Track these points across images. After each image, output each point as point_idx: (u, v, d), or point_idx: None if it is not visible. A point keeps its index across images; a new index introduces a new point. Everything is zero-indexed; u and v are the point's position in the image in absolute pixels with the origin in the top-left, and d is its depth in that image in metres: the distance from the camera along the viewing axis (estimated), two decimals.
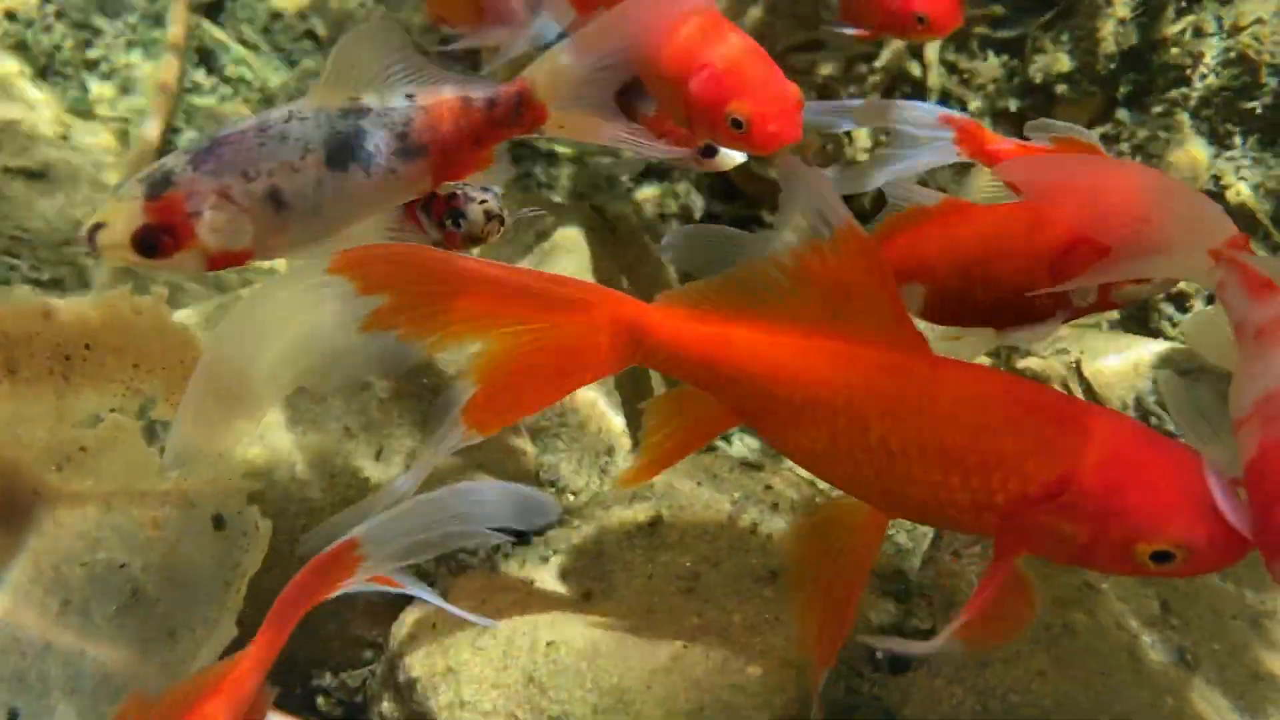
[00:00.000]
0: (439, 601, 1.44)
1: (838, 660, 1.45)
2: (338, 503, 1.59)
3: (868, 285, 1.14)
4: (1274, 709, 1.32)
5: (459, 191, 1.49)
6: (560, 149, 2.64)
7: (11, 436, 1.35)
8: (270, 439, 1.60)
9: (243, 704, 1.19)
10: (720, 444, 2.07)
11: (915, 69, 2.60)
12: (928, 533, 1.78)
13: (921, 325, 1.25)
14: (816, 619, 1.24)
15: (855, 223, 1.15)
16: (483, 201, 1.49)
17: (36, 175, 2.17)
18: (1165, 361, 1.86)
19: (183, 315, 1.79)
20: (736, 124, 1.48)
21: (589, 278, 2.05)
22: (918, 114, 1.59)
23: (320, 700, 1.60)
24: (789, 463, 2.05)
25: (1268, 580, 1.42)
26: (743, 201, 2.52)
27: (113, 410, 1.37)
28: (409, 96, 1.30)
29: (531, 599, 1.53)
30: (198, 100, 2.68)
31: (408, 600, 1.61)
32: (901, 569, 1.60)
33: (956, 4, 1.81)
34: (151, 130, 2.48)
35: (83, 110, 2.58)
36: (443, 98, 1.31)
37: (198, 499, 1.43)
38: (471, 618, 1.45)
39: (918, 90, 2.58)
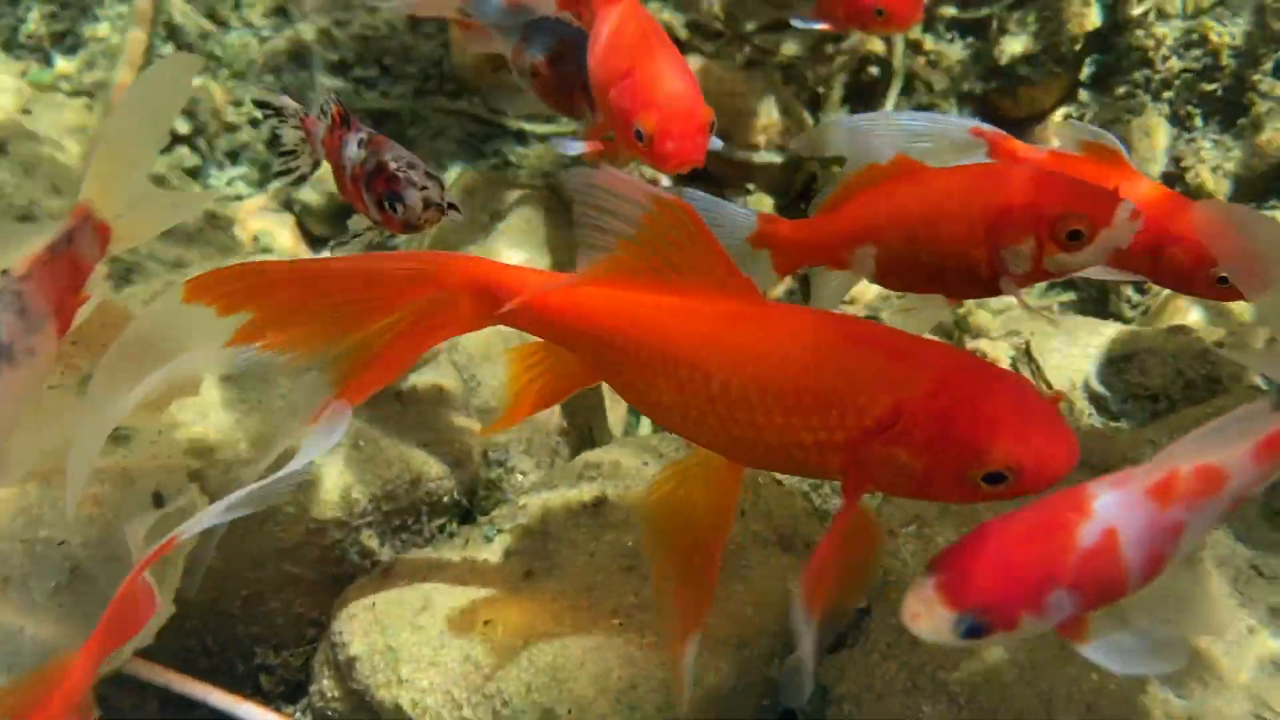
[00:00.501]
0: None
1: (773, 637, 1.46)
2: None
3: (691, 248, 1.17)
4: (1198, 683, 1.33)
5: (401, 173, 1.47)
6: (530, 128, 2.64)
7: None
8: (214, 418, 1.60)
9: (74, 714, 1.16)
10: None
11: (881, 49, 2.60)
12: None
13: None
14: (679, 583, 1.24)
15: (661, 194, 1.16)
16: (423, 188, 1.46)
17: None
18: (1113, 344, 1.87)
19: (131, 293, 1.80)
20: (640, 136, 1.51)
21: (543, 258, 2.06)
22: (949, 128, 1.62)
23: (263, 678, 1.61)
24: None
25: (1194, 557, 1.43)
26: (713, 181, 2.52)
27: (51, 386, 1.37)
28: (3, 273, 1.22)
29: (472, 578, 1.54)
30: None
31: (350, 579, 1.62)
32: None
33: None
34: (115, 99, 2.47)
35: (45, 85, 2.58)
36: (33, 256, 1.23)
37: (138, 476, 1.43)
38: None
39: (883, 72, 2.59)
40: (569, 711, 1.37)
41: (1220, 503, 1.11)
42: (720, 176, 2.51)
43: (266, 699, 1.59)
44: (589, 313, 1.23)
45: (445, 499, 1.69)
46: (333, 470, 1.62)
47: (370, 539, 1.63)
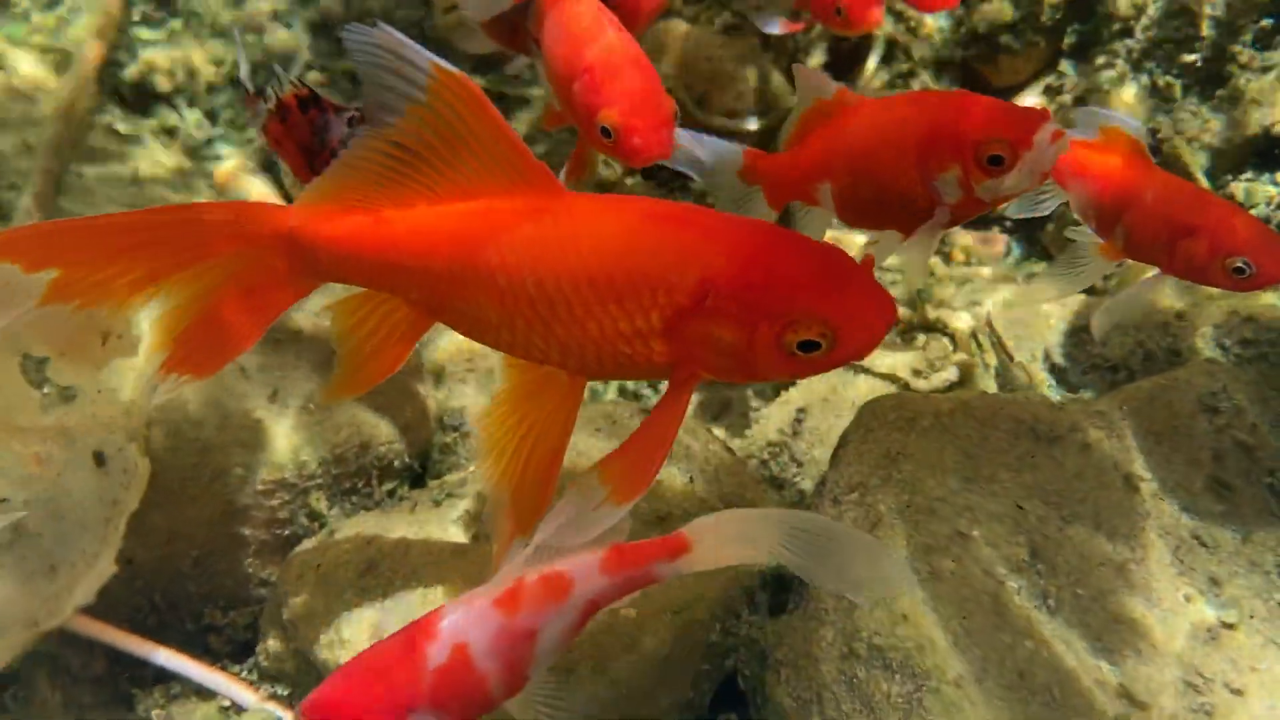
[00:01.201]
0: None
1: (713, 603, 1.46)
2: (230, 443, 1.61)
3: (479, 128, 1.12)
4: (1131, 651, 1.32)
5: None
6: (525, 92, 2.62)
7: None
8: None
9: None
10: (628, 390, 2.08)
11: None
12: (805, 477, 1.79)
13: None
14: (515, 489, 1.22)
15: (444, 64, 1.12)
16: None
17: None
18: (1076, 315, 1.86)
19: None
20: (605, 132, 1.49)
21: None
22: None
23: (211, 638, 1.62)
24: (690, 410, 2.06)
25: (1137, 528, 1.43)
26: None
27: None
28: None
29: (419, 542, 1.55)
30: (146, 33, 2.66)
31: (298, 540, 1.63)
32: None
33: (873, 1, 1.78)
34: (89, 60, 2.46)
35: (19, 40, 2.57)
36: None
37: (79, 436, 1.44)
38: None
39: (863, 39, 2.56)
40: None
41: (571, 608, 1.13)
42: None
43: (214, 658, 1.60)
44: (396, 241, 1.17)
45: (396, 463, 1.70)
46: (281, 432, 1.63)
47: (319, 501, 1.64)
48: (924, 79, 2.50)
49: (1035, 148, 1.33)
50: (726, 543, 1.16)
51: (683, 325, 1.10)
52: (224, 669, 1.56)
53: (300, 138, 1.48)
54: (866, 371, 1.90)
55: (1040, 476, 1.47)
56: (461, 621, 1.10)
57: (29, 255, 1.09)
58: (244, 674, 1.58)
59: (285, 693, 1.53)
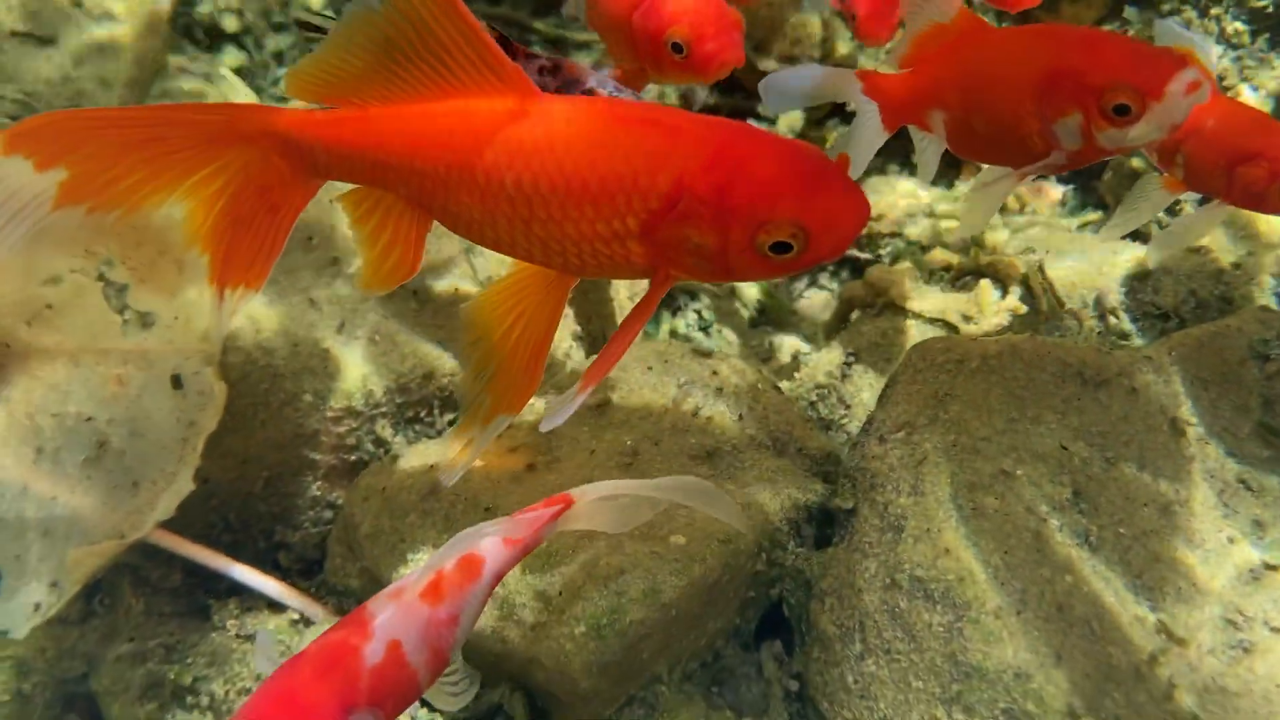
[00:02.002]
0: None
1: (759, 534, 1.51)
2: (300, 371, 1.67)
3: (452, 28, 1.13)
4: (1171, 589, 1.35)
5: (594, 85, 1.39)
6: (584, 36, 2.64)
7: None
8: None
9: None
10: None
11: None
12: (852, 419, 1.82)
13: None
14: (501, 374, 1.26)
15: None
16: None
17: (46, 41, 2.23)
18: (1128, 263, 1.86)
19: None
20: (677, 48, 1.51)
21: None
22: None
23: (282, 556, 1.71)
24: (737, 350, 2.10)
25: (1182, 471, 1.45)
26: (742, 94, 2.51)
27: (74, 270, 1.45)
28: None
29: (477, 469, 1.61)
30: None
31: (364, 465, 1.70)
32: (832, 451, 1.65)
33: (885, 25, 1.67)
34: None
35: None
36: None
37: (157, 359, 1.51)
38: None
39: None
40: (560, 593, 1.44)
41: (483, 585, 1.17)
42: (754, 89, 2.50)
43: (284, 574, 1.68)
44: (383, 139, 1.19)
45: (456, 394, 1.76)
46: (349, 362, 1.70)
47: (384, 428, 1.71)
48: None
49: (1167, 98, 1.23)
50: (603, 506, 1.24)
51: (658, 228, 1.13)
52: (294, 584, 1.64)
53: None
54: (917, 316, 1.92)
55: (1086, 419, 1.49)
56: (394, 619, 1.11)
57: (40, 150, 1.11)
58: (312, 589, 1.66)
59: (352, 608, 1.61)
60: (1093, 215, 2.23)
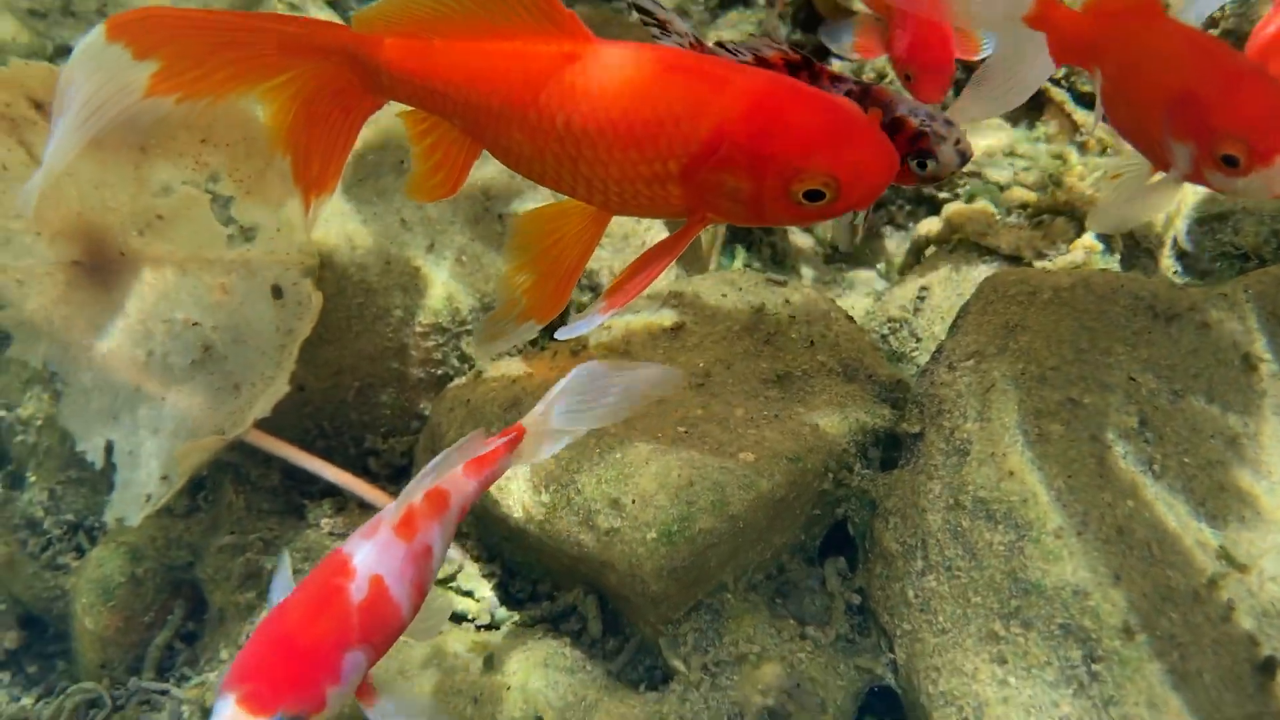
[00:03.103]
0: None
1: (826, 455, 1.56)
2: (391, 287, 1.76)
3: None
4: (1235, 517, 1.37)
5: (928, 128, 1.35)
6: None
7: (99, 201, 1.53)
8: (334, 225, 1.76)
9: None
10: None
11: None
12: (923, 352, 1.85)
13: None
14: (541, 286, 1.35)
15: None
16: (957, 141, 1.33)
17: None
18: (1208, 202, 1.85)
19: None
20: None
21: None
22: None
23: (371, 461, 1.80)
24: (808, 279, 2.14)
25: (1251, 404, 1.46)
26: (818, 20, 2.51)
27: (184, 182, 1.54)
28: None
29: (552, 380, 1.68)
30: None
31: (449, 379, 1.79)
32: (901, 378, 1.69)
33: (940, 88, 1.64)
34: None
35: None
36: None
37: (259, 269, 1.60)
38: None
39: None
40: (633, 501, 1.50)
41: (451, 518, 1.21)
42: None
43: (374, 479, 1.78)
44: (442, 71, 1.27)
45: (497, 288, 1.82)
46: (437, 280, 1.77)
47: (469, 344, 1.79)
48: None
49: (1275, 168, 1.18)
50: (558, 433, 1.31)
51: (697, 172, 1.19)
52: (383, 489, 1.74)
53: None
54: (992, 253, 1.94)
55: (1156, 352, 1.51)
56: (372, 555, 1.14)
57: (138, 40, 1.19)
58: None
59: None
60: None
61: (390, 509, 1.21)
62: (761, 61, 1.44)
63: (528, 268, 1.35)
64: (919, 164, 1.35)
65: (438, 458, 1.24)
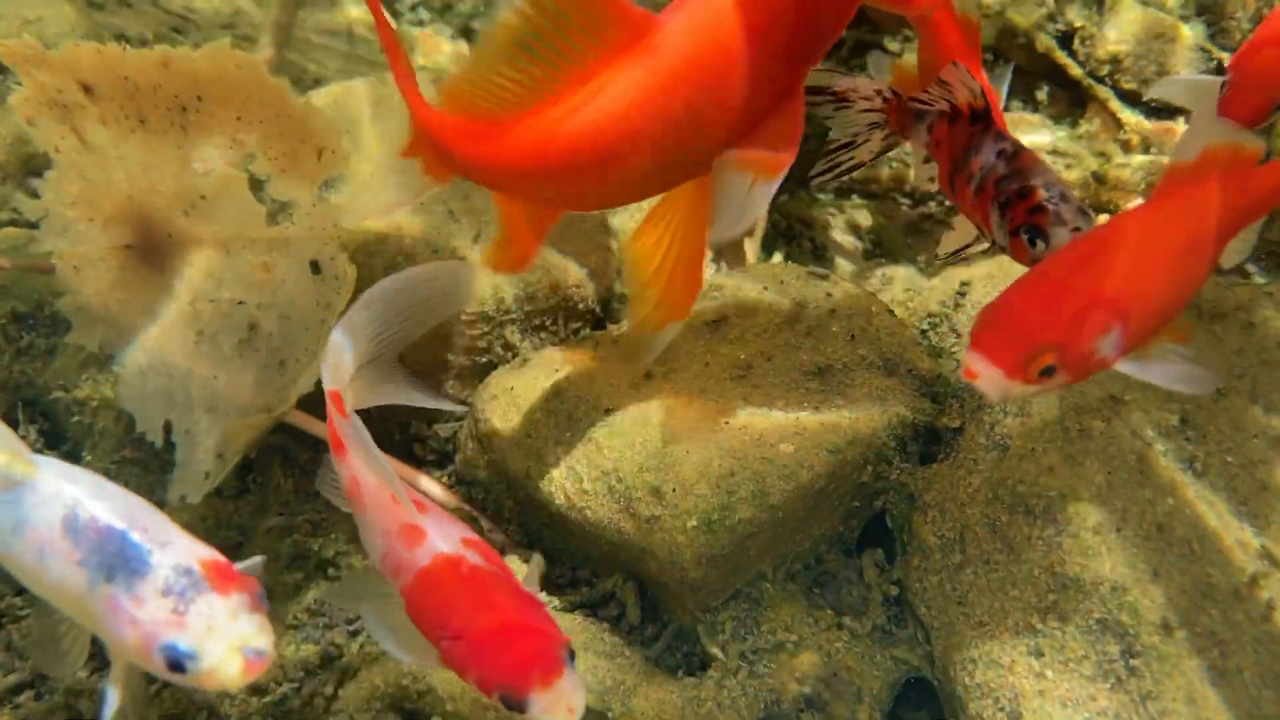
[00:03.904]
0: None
1: (865, 446, 1.57)
2: None
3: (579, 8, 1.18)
4: (1276, 517, 1.37)
5: (1051, 205, 1.32)
6: None
7: (147, 184, 1.56)
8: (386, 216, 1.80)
9: None
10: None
11: None
12: (962, 348, 1.85)
13: None
14: (670, 289, 1.37)
15: None
16: (1075, 229, 1.30)
17: None
18: None
19: (311, 94, 1.98)
20: None
21: None
22: None
23: (416, 447, 1.83)
24: (848, 273, 2.14)
25: None
26: (868, 26, 2.52)
27: (223, 161, 1.56)
28: None
29: (599, 374, 1.70)
30: None
31: (493, 366, 1.82)
32: (942, 373, 1.70)
33: None
34: None
35: None
36: None
37: (298, 245, 1.62)
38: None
39: None
40: (674, 490, 1.53)
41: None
42: (879, 22, 2.51)
43: (419, 464, 1.81)
44: (504, 158, 1.29)
45: (581, 305, 1.85)
46: (484, 271, 1.80)
47: (513, 334, 1.81)
48: None
49: None
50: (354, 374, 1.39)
51: None
52: (427, 473, 1.77)
53: (954, 149, 1.46)
54: None
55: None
56: (442, 530, 1.28)
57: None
58: (444, 479, 1.78)
59: (480, 496, 1.73)
60: None
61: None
62: (954, 109, 1.44)
63: (652, 283, 1.36)
64: (1030, 240, 1.32)
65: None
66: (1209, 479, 1.41)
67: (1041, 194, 1.33)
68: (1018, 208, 1.33)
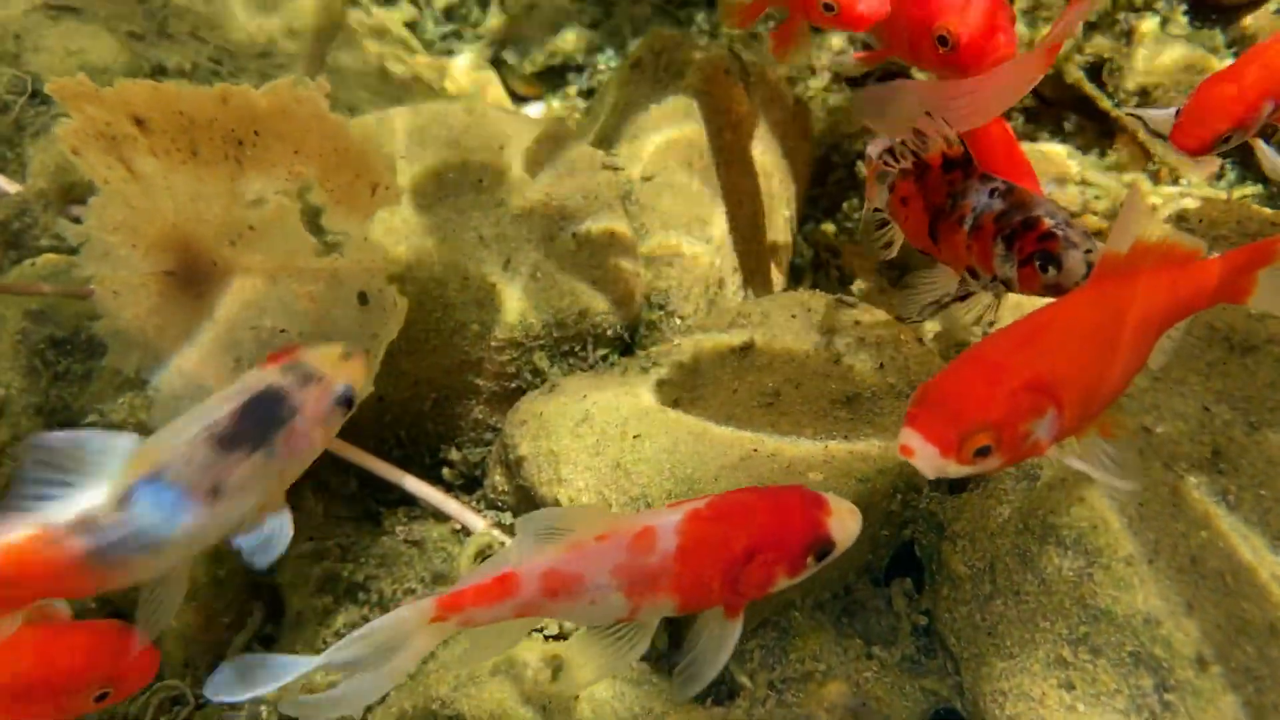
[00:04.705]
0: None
1: (894, 476, 1.57)
2: (469, 302, 1.80)
3: None
4: None
5: (1060, 230, 1.31)
6: None
7: (194, 213, 1.59)
8: (413, 241, 1.82)
9: None
10: None
11: None
12: None
13: None
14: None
15: None
16: (1087, 250, 1.28)
17: None
18: None
19: (360, 120, 2.01)
20: (828, 8, 1.60)
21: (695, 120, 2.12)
22: None
23: (445, 471, 1.85)
24: (875, 300, 2.15)
25: None
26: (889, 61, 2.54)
27: (276, 193, 1.59)
28: None
29: (627, 400, 1.71)
30: None
31: (522, 392, 1.83)
32: None
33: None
34: None
35: None
36: None
37: (346, 277, 1.65)
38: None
39: None
40: None
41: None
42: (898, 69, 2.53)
43: (448, 488, 1.82)
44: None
45: (609, 331, 1.87)
46: (512, 296, 1.82)
47: (541, 359, 1.83)
48: None
49: None
50: None
51: None
52: (456, 498, 1.78)
53: (932, 198, 1.46)
54: None
55: (1230, 383, 1.50)
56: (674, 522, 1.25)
57: None
58: (473, 503, 1.80)
59: (508, 521, 1.74)
60: (1251, 188, 2.20)
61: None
62: (919, 166, 1.46)
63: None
64: (1042, 267, 1.31)
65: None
66: (1242, 513, 1.40)
67: (1048, 222, 1.33)
68: (1026, 238, 1.33)
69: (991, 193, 1.41)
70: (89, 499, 1.15)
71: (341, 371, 1.25)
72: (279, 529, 1.30)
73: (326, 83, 1.45)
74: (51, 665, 1.28)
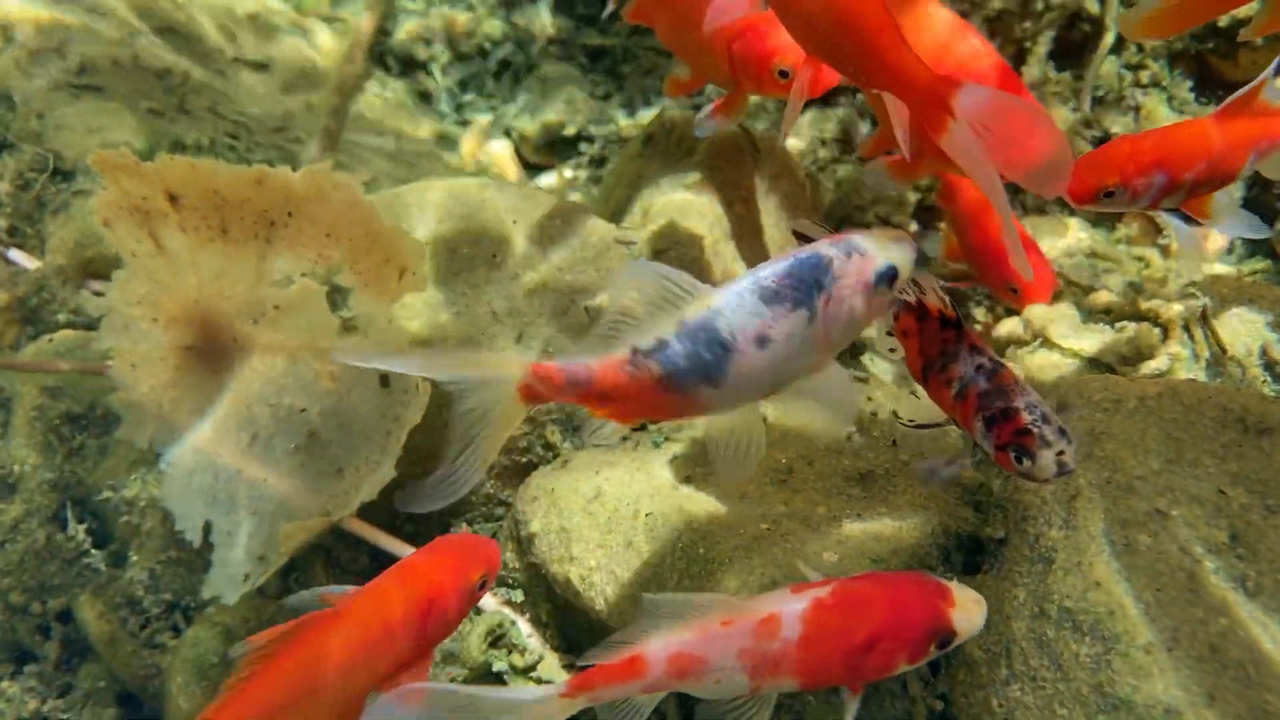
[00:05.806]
0: None
1: (909, 555, 1.56)
2: None
3: None
4: None
5: (1036, 428, 1.35)
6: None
7: (218, 290, 1.61)
8: (429, 316, 1.83)
9: None
10: None
11: (1094, 8, 2.56)
12: None
13: None
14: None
15: None
16: (1059, 452, 1.33)
17: (261, 67, 2.46)
18: None
19: (378, 196, 2.03)
20: (783, 75, 1.67)
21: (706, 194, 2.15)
22: None
23: None
24: (891, 378, 2.15)
25: None
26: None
27: (304, 274, 1.61)
28: None
29: (639, 476, 1.71)
30: (409, 3, 2.93)
31: (534, 467, 1.83)
32: (985, 481, 1.69)
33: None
34: (362, 30, 2.74)
35: (305, 9, 2.88)
36: None
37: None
38: None
39: (1094, 29, 2.55)
40: None
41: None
42: None
43: None
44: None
45: None
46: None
47: (554, 434, 1.83)
48: (1154, 70, 2.47)
49: None
50: None
51: None
52: None
53: (927, 348, 1.51)
54: (1075, 356, 1.94)
55: (1246, 466, 1.50)
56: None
57: None
58: None
59: (519, 599, 1.73)
60: (1261, 263, 2.21)
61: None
62: (922, 308, 1.50)
63: None
64: (1017, 459, 1.36)
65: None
66: (1262, 600, 1.39)
67: (1025, 417, 1.37)
68: (1005, 427, 1.37)
69: (978, 368, 1.44)
70: (664, 329, 1.24)
71: (888, 250, 1.28)
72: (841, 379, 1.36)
73: (366, 173, 1.48)
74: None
